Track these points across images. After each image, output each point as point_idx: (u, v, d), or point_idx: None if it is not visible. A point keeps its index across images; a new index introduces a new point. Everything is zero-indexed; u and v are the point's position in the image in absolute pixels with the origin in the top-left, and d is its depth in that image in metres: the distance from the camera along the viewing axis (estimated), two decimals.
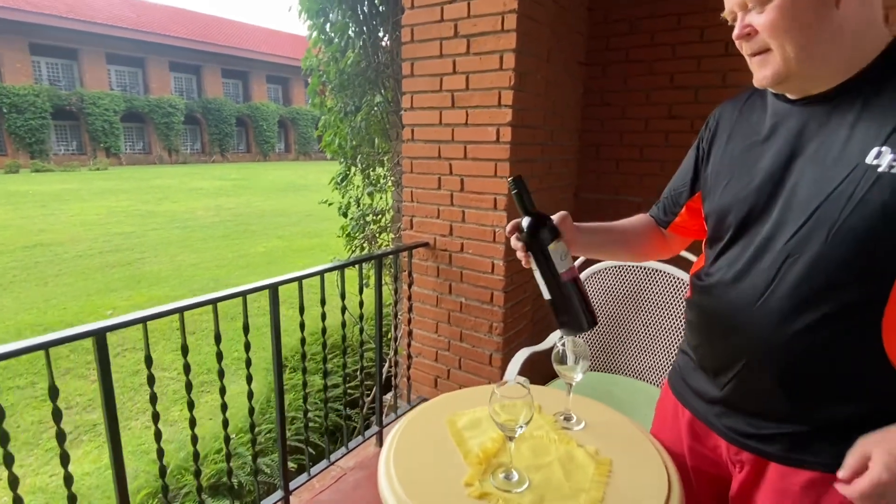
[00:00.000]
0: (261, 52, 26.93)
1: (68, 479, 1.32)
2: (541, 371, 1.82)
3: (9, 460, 1.20)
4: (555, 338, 1.99)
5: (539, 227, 0.94)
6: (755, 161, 0.84)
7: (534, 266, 0.95)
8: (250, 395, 1.78)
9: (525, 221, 0.95)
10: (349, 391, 3.22)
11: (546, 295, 0.95)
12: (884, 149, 0.69)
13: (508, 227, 0.96)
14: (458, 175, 2.20)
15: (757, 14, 0.74)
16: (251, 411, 1.80)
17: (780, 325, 0.77)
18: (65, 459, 1.31)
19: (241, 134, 28.13)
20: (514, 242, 0.95)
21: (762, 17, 0.73)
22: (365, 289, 2.36)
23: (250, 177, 19.50)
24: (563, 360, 1.09)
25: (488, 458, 0.97)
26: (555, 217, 0.97)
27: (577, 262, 1.02)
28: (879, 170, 0.68)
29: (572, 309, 0.94)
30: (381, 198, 3.30)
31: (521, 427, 0.89)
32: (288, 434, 2.90)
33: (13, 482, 1.21)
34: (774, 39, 0.73)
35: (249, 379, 1.76)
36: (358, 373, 2.31)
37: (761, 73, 0.77)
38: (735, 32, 0.77)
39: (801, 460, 0.79)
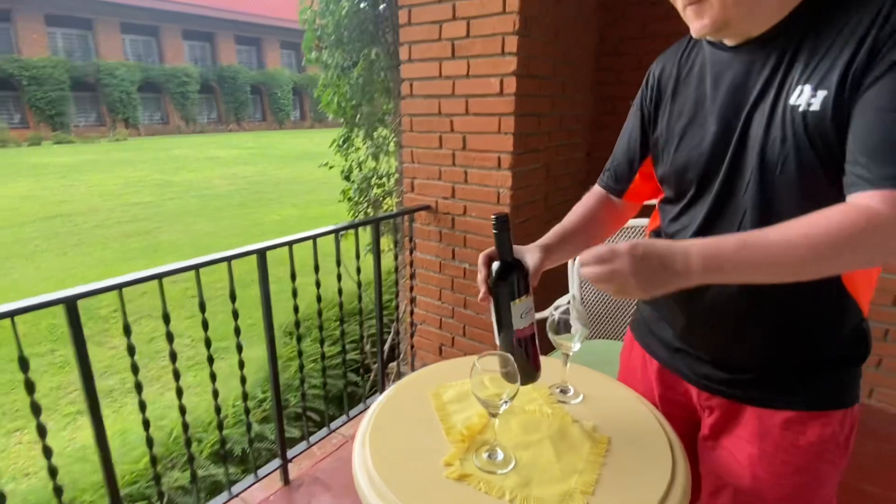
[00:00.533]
0: (273, 17, 26.42)
1: (47, 451, 1.28)
2: (545, 338, 1.72)
3: None
4: (559, 303, 1.88)
5: (508, 279, 0.84)
6: (705, 117, 0.80)
7: (492, 309, 0.87)
8: (241, 364, 1.72)
9: (496, 266, 0.85)
10: (353, 360, 3.18)
11: (496, 339, 0.88)
12: (805, 87, 0.67)
13: (481, 259, 0.86)
14: (460, 132, 2.06)
15: None
16: (243, 380, 1.75)
17: None
18: (42, 431, 1.27)
19: (257, 102, 27.93)
20: (480, 281, 0.87)
21: None
22: (370, 255, 2.27)
23: (266, 145, 19.44)
24: (558, 328, 0.98)
25: (472, 436, 0.88)
26: (531, 262, 0.88)
27: None
28: (800, 109, 0.67)
29: (517, 363, 0.85)
30: (386, 161, 3.17)
31: (505, 403, 0.79)
32: (295, 401, 2.89)
33: None
34: None
35: (240, 348, 1.71)
36: (359, 340, 2.24)
37: (699, 22, 0.73)
38: None
39: (777, 401, 0.81)
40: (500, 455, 0.83)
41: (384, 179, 3.08)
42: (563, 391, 1.02)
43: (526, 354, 0.88)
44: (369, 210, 3.04)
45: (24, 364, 1.19)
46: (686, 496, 0.78)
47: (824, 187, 0.68)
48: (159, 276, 1.39)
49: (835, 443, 0.80)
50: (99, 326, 4.86)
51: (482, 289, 0.86)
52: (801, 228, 0.64)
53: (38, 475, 2.97)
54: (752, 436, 0.83)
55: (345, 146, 3.11)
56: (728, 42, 0.77)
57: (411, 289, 2.37)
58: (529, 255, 0.90)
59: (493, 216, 0.84)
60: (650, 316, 1.00)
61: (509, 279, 0.84)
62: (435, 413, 0.96)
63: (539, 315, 0.97)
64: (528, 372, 0.89)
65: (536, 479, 0.79)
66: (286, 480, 1.86)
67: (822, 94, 0.66)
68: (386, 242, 2.94)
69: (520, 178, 2.02)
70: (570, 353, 0.99)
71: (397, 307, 2.46)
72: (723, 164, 0.77)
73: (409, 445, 0.89)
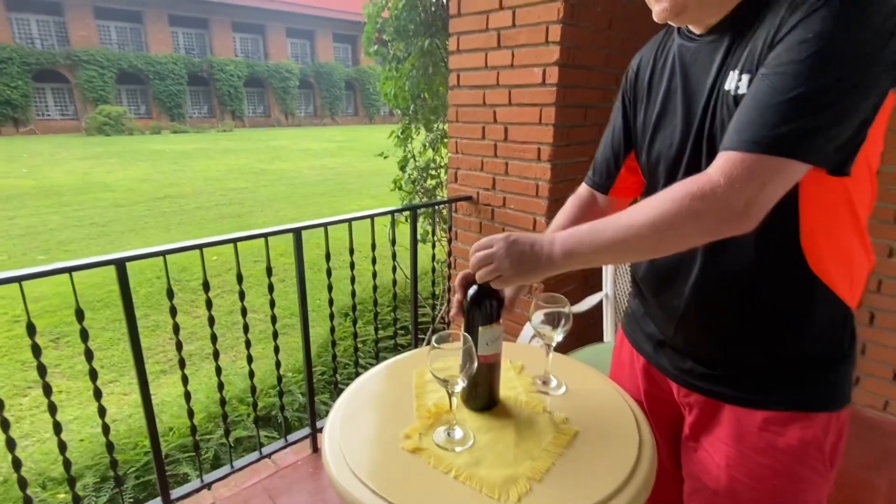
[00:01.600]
0: None
1: (101, 410, 1.45)
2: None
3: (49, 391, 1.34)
4: (590, 301, 1.83)
5: (482, 305, 0.85)
6: (675, 109, 0.80)
7: (462, 328, 0.88)
8: (275, 335, 1.85)
9: (472, 290, 0.86)
10: (397, 344, 3.27)
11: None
12: (734, 72, 0.68)
13: (458, 280, 0.88)
14: (503, 123, 2.05)
15: None
16: (276, 350, 1.87)
17: (713, 267, 0.75)
18: (95, 378, 1.43)
19: (350, 97, 29.24)
20: (455, 301, 0.89)
21: None
22: (419, 243, 2.33)
23: (355, 139, 20.27)
24: (542, 319, 0.96)
25: (438, 414, 0.90)
26: (507, 292, 0.91)
27: None
28: (731, 93, 0.68)
29: (469, 385, 0.87)
30: (445, 153, 3.21)
31: (462, 381, 0.80)
32: (339, 378, 3.03)
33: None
34: None
35: (274, 319, 1.83)
36: (393, 324, 2.30)
37: (659, 6, 0.73)
38: None
39: (755, 400, 0.78)
40: (459, 433, 0.84)
41: (440, 170, 3.13)
42: (545, 382, 1.00)
43: (485, 379, 0.89)
44: (423, 199, 3.10)
45: (79, 315, 1.36)
46: (640, 496, 0.74)
47: None
48: (200, 247, 1.53)
49: (817, 448, 0.76)
50: (188, 297, 5.37)
51: (454, 309, 0.88)
52: (647, 204, 0.66)
53: (123, 421, 3.36)
54: (730, 436, 0.80)
55: (403, 137, 3.19)
56: (695, 30, 0.77)
57: (449, 278, 2.40)
58: None
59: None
60: (637, 311, 0.97)
61: (482, 305, 0.85)
62: (413, 390, 0.99)
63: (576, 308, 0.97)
64: (482, 398, 0.91)
65: (488, 461, 0.79)
66: (315, 448, 1.96)
67: (746, 77, 0.66)
68: (431, 232, 2.98)
69: (560, 171, 1.97)
70: (553, 344, 0.97)
71: (433, 295, 2.50)
72: (684, 156, 0.76)
73: (379, 415, 0.92)
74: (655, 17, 0.76)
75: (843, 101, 0.58)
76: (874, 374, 2.19)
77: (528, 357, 1.11)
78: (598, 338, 1.84)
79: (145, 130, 20.85)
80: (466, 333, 0.86)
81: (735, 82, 0.67)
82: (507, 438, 0.84)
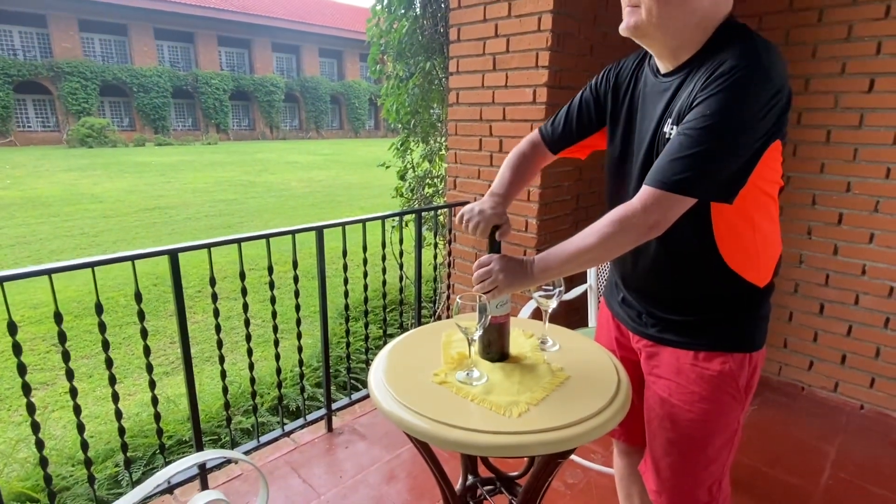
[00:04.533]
0: (354, 30, 27.85)
1: (115, 397, 1.64)
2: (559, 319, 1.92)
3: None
4: (576, 291, 2.08)
5: None
6: (635, 126, 1.04)
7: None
8: (298, 321, 2.05)
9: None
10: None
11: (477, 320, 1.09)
12: (668, 120, 0.92)
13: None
14: (498, 136, 2.32)
15: None
16: (299, 336, 2.07)
17: (659, 257, 1.01)
18: (111, 379, 1.63)
19: (335, 111, 29.48)
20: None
21: None
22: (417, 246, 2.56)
23: (341, 152, 20.50)
24: (542, 294, 1.21)
25: (460, 360, 1.13)
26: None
27: None
28: (667, 136, 0.92)
29: (485, 341, 1.13)
30: (439, 164, 3.46)
31: (479, 329, 1.03)
32: (344, 371, 3.23)
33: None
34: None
35: (298, 308, 2.04)
36: (401, 316, 2.51)
37: (628, 20, 0.93)
38: None
39: (688, 343, 1.03)
40: (476, 373, 1.07)
41: (436, 180, 3.38)
42: (543, 342, 1.24)
43: (497, 336, 1.13)
44: (422, 206, 3.34)
45: (138, 297, 1.56)
46: (613, 419, 0.97)
47: None
48: (238, 241, 1.75)
49: (733, 378, 1.01)
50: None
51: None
52: (593, 226, 0.94)
53: (129, 420, 3.49)
54: (670, 372, 1.06)
55: (402, 149, 3.44)
56: (660, 69, 0.99)
57: (449, 276, 2.63)
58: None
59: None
60: (611, 280, 1.25)
61: None
62: (441, 346, 1.22)
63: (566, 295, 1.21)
64: (495, 350, 1.14)
65: (497, 392, 1.02)
66: (330, 428, 2.17)
67: (675, 127, 0.90)
68: (430, 237, 3.22)
69: (549, 178, 2.24)
70: (549, 311, 1.22)
71: (436, 291, 2.73)
72: (634, 174, 1.02)
73: (413, 363, 1.15)
74: (621, 30, 0.94)
75: (724, 158, 0.84)
76: (826, 359, 2.48)
77: (536, 329, 1.34)
78: (584, 323, 2.09)
79: (129, 143, 20.78)
80: (482, 301, 1.10)
81: (669, 128, 0.92)
82: (513, 378, 1.08)
